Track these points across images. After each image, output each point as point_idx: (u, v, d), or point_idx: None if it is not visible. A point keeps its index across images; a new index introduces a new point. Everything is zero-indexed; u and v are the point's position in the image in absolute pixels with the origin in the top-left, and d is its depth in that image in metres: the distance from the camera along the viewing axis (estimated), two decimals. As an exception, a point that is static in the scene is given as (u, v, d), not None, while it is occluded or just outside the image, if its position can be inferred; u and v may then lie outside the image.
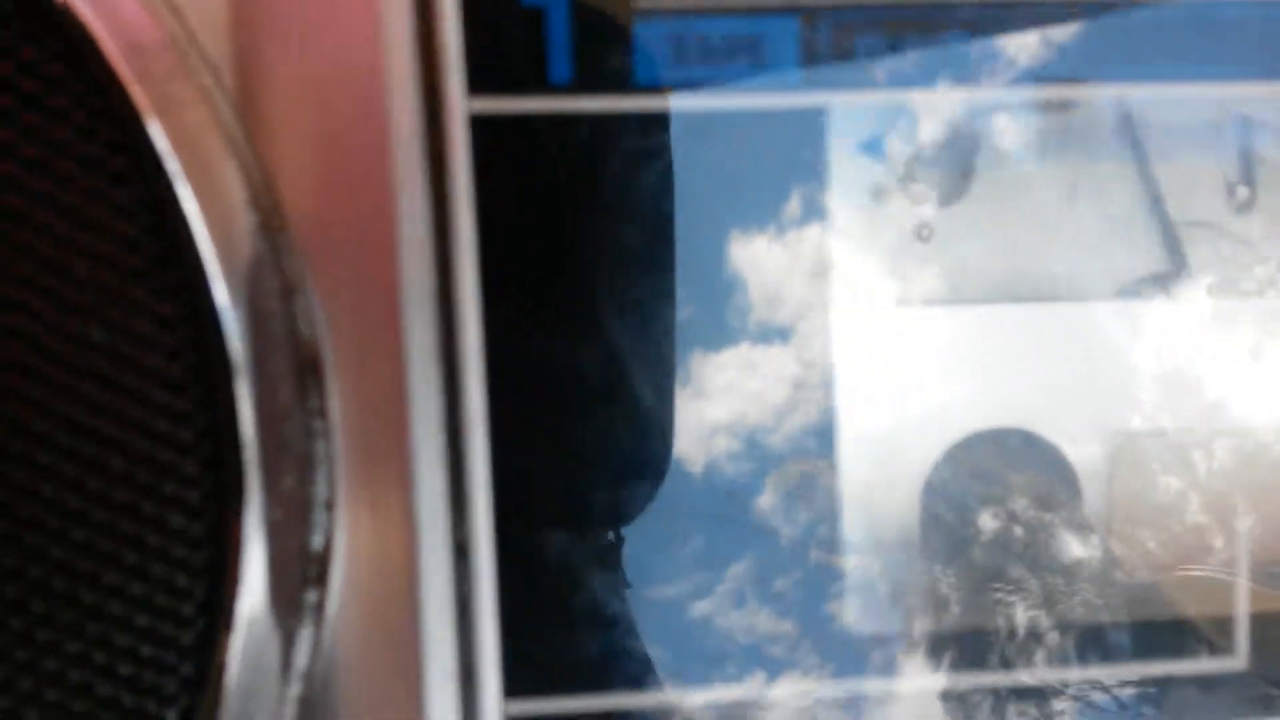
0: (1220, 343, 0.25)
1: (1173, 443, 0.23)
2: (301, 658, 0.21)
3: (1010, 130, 0.22)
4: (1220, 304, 0.25)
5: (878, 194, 0.23)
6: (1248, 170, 0.25)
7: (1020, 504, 0.24)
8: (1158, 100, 0.23)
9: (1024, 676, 0.21)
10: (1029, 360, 0.24)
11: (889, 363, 0.23)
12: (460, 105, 0.18)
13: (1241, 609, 0.21)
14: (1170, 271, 0.25)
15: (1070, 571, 0.22)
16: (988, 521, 0.23)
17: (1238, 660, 0.21)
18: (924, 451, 0.24)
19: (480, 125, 0.18)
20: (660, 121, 0.19)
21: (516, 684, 0.19)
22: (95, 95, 0.20)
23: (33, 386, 0.19)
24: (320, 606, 0.21)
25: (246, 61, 0.20)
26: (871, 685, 0.20)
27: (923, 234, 0.23)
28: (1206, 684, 0.20)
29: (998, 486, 0.24)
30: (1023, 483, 0.24)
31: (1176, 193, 0.25)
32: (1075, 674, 0.21)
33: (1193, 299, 0.25)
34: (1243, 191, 0.25)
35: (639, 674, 0.19)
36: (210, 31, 0.20)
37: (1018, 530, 0.23)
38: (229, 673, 0.20)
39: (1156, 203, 0.25)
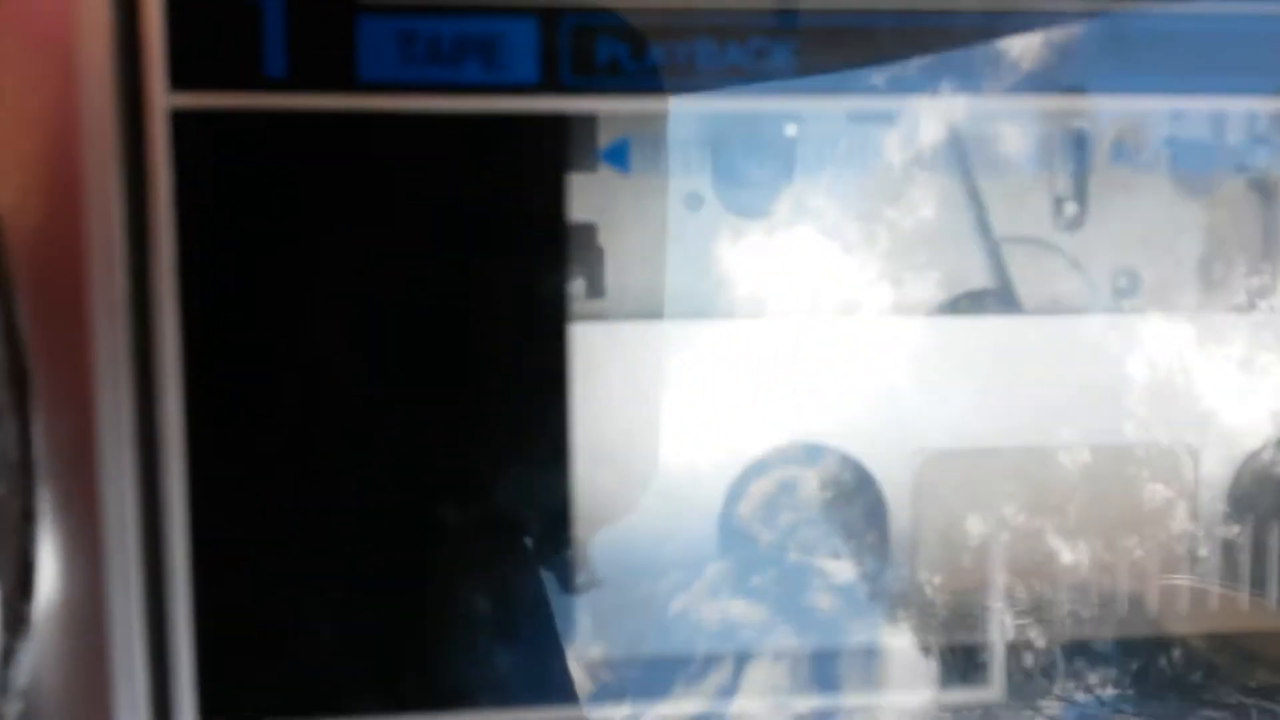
0: (1039, 359, 0.24)
1: (972, 459, 0.23)
2: (20, 677, 0.20)
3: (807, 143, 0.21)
4: (1044, 320, 0.24)
5: (694, 205, 0.22)
6: (1078, 186, 0.24)
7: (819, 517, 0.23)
8: (984, 115, 0.22)
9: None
10: (839, 376, 0.23)
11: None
12: (162, 100, 0.17)
13: (996, 639, 0.20)
14: (994, 287, 0.25)
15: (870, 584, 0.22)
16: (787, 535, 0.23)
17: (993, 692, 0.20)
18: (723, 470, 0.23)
19: (183, 121, 0.17)
20: (384, 122, 0.17)
21: (212, 706, 0.18)
22: None
23: None
24: (9, 653, 0.20)
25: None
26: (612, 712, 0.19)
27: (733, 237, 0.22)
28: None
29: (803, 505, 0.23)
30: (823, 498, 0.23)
31: (1004, 209, 0.24)
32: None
33: (1015, 314, 0.24)
34: (1071, 208, 0.24)
35: (336, 697, 0.18)
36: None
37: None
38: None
39: (982, 218, 0.24)
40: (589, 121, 0.18)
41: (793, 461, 0.23)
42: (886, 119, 0.21)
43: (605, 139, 0.19)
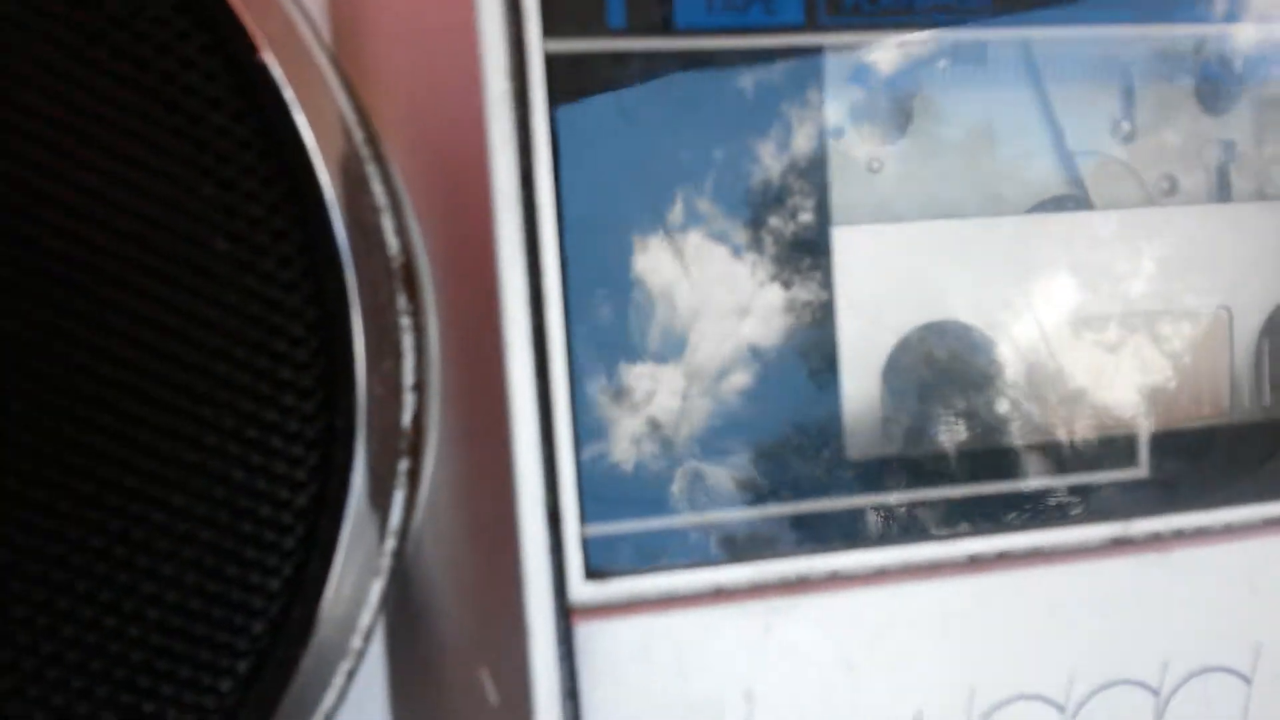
0: (1114, 247, 0.30)
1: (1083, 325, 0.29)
2: (396, 517, 0.25)
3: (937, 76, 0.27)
4: (1110, 216, 0.30)
5: (837, 133, 0.28)
6: (1129, 107, 0.31)
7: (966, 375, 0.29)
8: (1056, 46, 0.29)
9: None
10: (961, 268, 0.29)
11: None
12: (538, 46, 0.22)
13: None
14: (1071, 192, 0.31)
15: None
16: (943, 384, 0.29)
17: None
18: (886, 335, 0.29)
19: (553, 62, 0.22)
20: (695, 57, 0.23)
21: (592, 512, 0.23)
22: (209, 33, 0.23)
23: (168, 288, 0.23)
24: (413, 473, 0.25)
25: (341, 7, 0.23)
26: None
27: (873, 166, 0.28)
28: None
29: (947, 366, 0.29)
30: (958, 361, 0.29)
31: (1072, 127, 0.31)
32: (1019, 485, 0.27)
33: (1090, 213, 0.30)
34: (1125, 125, 0.31)
35: (698, 499, 0.24)
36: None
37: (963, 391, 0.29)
38: (341, 532, 0.24)
39: (1058, 135, 0.31)
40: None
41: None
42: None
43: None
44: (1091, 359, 0.29)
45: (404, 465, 0.25)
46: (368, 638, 0.25)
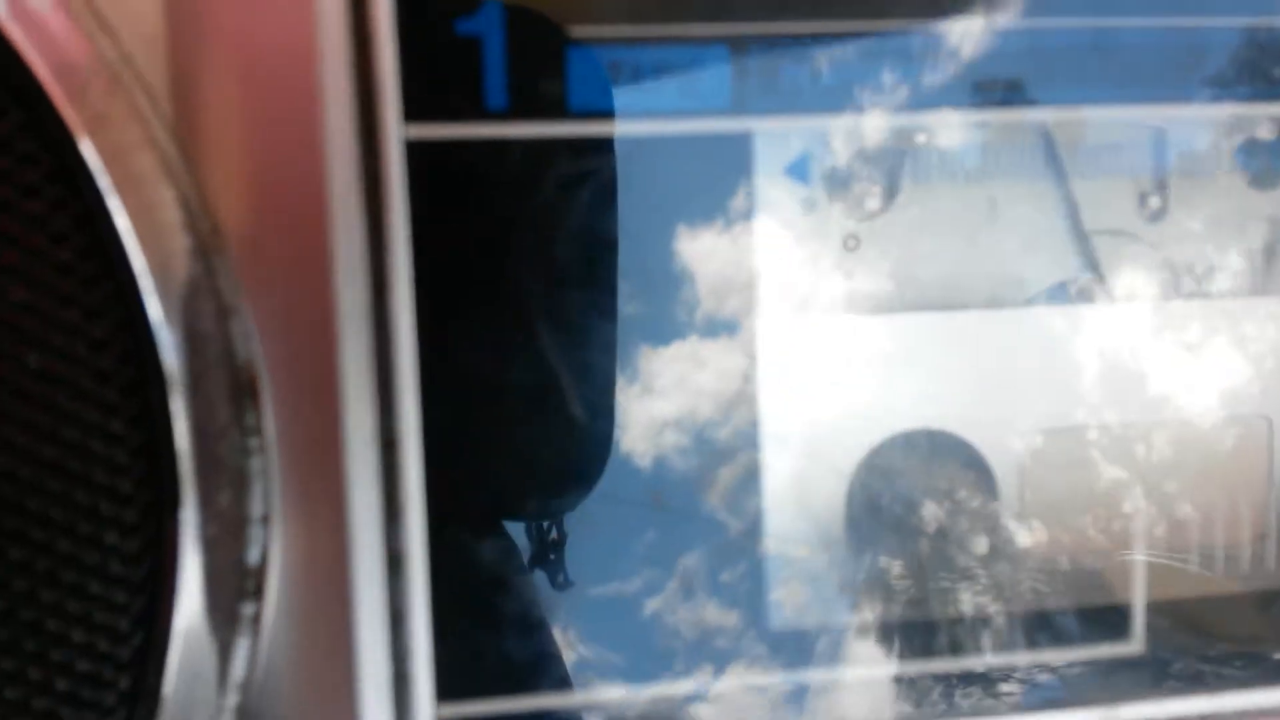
0: (1132, 342, 0.26)
1: (1087, 438, 0.25)
2: (238, 669, 0.21)
3: (933, 149, 0.23)
4: (1132, 306, 0.26)
5: (808, 207, 0.24)
6: (1160, 182, 0.27)
7: (941, 499, 0.25)
8: (1074, 120, 0.25)
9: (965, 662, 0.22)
10: (950, 364, 0.25)
11: (816, 366, 0.24)
12: (395, 131, 0.18)
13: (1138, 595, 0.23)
14: (1085, 277, 0.27)
15: (985, 561, 0.24)
16: (910, 516, 0.24)
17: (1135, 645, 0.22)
18: (849, 451, 0.25)
19: (416, 151, 0.19)
20: (595, 146, 0.19)
21: (449, 688, 0.19)
22: (26, 115, 0.20)
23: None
24: (256, 618, 0.21)
25: (183, 84, 0.20)
26: (813, 675, 0.21)
27: (849, 244, 0.24)
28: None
29: (920, 483, 0.25)
30: (944, 480, 0.25)
31: (1091, 204, 0.26)
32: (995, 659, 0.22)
33: (1106, 302, 0.26)
34: (1155, 201, 0.27)
35: (569, 674, 0.20)
36: (146, 53, 0.20)
37: (938, 523, 0.24)
38: (166, 685, 0.21)
39: (1073, 213, 0.27)
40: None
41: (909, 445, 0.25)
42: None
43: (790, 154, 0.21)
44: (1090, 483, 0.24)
45: (249, 610, 0.21)
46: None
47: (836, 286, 0.24)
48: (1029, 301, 0.26)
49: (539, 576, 0.20)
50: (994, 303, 0.26)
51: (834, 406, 0.24)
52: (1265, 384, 0.26)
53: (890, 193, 0.24)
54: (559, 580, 0.20)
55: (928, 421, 0.25)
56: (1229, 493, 0.26)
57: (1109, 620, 0.23)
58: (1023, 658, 0.22)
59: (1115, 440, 0.25)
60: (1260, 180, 0.27)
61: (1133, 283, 0.26)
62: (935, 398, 0.25)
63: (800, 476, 0.24)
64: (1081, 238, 0.27)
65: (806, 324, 0.23)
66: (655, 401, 0.22)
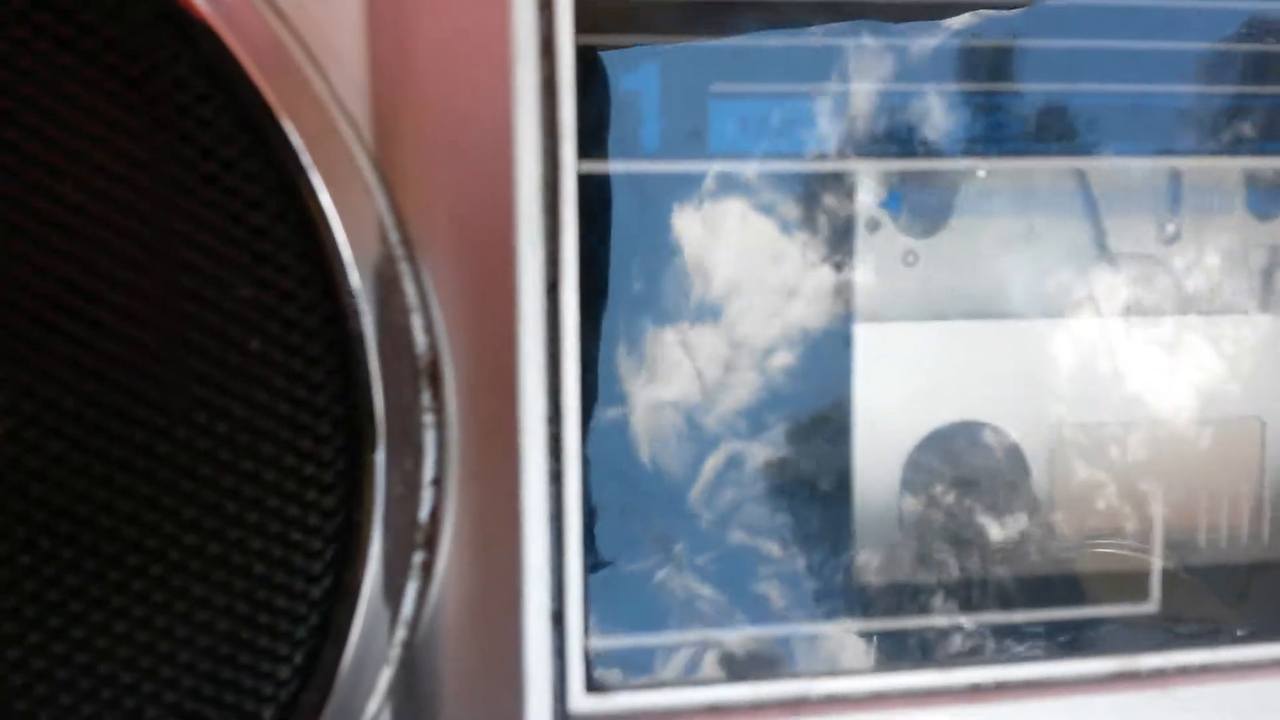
0: (1147, 351, 0.30)
1: (1103, 436, 0.29)
2: (407, 608, 0.25)
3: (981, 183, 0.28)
4: (1147, 319, 0.30)
5: (873, 228, 0.28)
6: (1176, 213, 0.31)
7: (977, 485, 0.29)
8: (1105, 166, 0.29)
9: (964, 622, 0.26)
10: (989, 366, 0.29)
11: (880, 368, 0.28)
12: (572, 166, 0.23)
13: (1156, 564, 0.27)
14: (1109, 292, 0.31)
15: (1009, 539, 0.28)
16: (952, 498, 0.29)
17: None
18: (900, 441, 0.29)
19: (586, 182, 0.23)
20: (728, 182, 0.24)
21: (597, 624, 0.23)
22: (251, 138, 0.24)
23: (199, 385, 0.23)
24: (427, 566, 0.25)
25: (383, 119, 0.24)
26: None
27: (908, 260, 0.29)
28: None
29: (960, 470, 0.29)
30: (979, 468, 0.29)
31: (1117, 231, 0.30)
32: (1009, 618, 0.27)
33: (1125, 315, 0.30)
34: (1171, 228, 0.31)
35: (707, 617, 0.24)
36: (351, 93, 0.24)
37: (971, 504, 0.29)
38: (354, 623, 0.25)
39: (1100, 238, 0.31)
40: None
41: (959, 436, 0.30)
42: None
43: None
44: (1114, 468, 0.29)
45: (419, 558, 0.25)
46: (375, 724, 0.25)
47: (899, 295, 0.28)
48: (1061, 313, 0.30)
49: (668, 528, 0.24)
50: (1029, 313, 0.30)
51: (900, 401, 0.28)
52: (1257, 390, 0.30)
53: (943, 218, 0.29)
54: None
55: (973, 415, 0.29)
56: (1225, 482, 0.30)
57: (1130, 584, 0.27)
58: (1060, 614, 0.27)
59: (1128, 435, 0.29)
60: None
61: (1149, 299, 0.30)
62: (981, 395, 0.29)
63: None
64: (1109, 258, 0.31)
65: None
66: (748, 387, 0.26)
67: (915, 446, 0.29)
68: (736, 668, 0.25)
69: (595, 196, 0.23)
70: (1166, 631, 0.27)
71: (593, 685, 0.24)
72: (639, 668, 0.24)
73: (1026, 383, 0.29)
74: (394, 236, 0.25)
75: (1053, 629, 0.26)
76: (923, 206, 0.27)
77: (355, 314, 0.24)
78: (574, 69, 0.22)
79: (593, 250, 0.23)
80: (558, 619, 0.23)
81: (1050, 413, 0.29)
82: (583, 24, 0.22)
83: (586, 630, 0.24)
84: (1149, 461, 0.29)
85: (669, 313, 0.24)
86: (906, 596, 0.26)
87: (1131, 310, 0.30)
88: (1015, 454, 0.30)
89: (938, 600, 0.26)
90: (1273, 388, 0.30)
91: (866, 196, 0.25)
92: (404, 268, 0.25)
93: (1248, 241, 0.30)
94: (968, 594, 0.27)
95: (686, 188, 0.24)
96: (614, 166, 0.23)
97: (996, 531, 0.28)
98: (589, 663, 0.24)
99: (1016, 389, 0.29)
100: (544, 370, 0.23)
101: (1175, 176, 0.30)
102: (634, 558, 0.24)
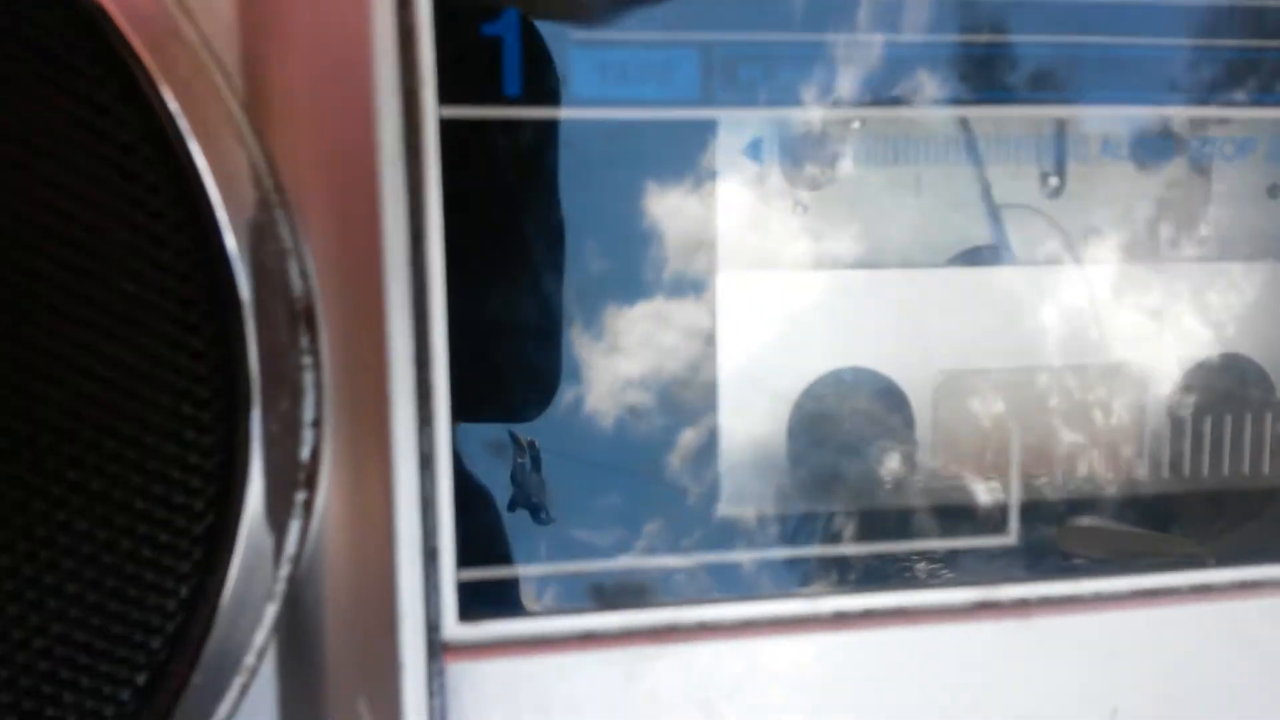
0: (1029, 301, 0.31)
1: (984, 379, 0.30)
2: (291, 545, 0.26)
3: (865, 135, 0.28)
4: (1032, 269, 0.31)
5: (762, 179, 0.29)
6: (1059, 165, 0.32)
7: (864, 422, 0.30)
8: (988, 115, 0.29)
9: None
10: (877, 314, 0.30)
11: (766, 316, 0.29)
12: (433, 111, 0.23)
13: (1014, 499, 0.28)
14: (994, 243, 0.32)
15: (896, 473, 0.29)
16: (841, 434, 0.30)
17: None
18: (792, 386, 0.30)
19: (448, 127, 0.23)
20: (590, 128, 0.24)
21: (467, 557, 0.24)
22: (122, 84, 0.24)
23: (76, 328, 0.24)
24: (308, 504, 0.26)
25: (253, 67, 0.24)
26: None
27: (798, 209, 0.29)
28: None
29: (842, 412, 0.30)
30: (867, 409, 0.30)
31: (1001, 183, 0.31)
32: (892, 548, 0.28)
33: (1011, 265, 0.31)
34: (1054, 181, 0.32)
35: (571, 548, 0.25)
36: (222, 39, 0.24)
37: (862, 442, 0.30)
38: (234, 557, 0.26)
39: (985, 190, 0.32)
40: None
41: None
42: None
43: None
44: (989, 413, 0.30)
45: (300, 497, 0.26)
46: (261, 656, 0.26)
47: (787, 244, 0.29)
48: (947, 263, 0.31)
49: (532, 470, 0.25)
50: (914, 263, 0.31)
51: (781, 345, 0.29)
52: (1142, 337, 0.31)
53: (833, 170, 0.29)
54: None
55: (857, 361, 0.30)
56: (1107, 422, 0.31)
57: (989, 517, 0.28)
58: (925, 544, 0.28)
59: (1006, 380, 0.30)
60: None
61: (1033, 248, 0.31)
62: (865, 341, 0.30)
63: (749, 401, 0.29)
64: (992, 210, 0.31)
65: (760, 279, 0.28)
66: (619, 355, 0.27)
67: (802, 391, 0.30)
68: (606, 597, 0.26)
69: (459, 142, 0.24)
70: (1025, 564, 0.28)
71: (465, 614, 0.25)
72: (511, 598, 0.25)
73: (914, 330, 0.30)
74: (268, 182, 0.25)
75: (916, 558, 0.28)
76: (804, 156, 0.28)
77: (227, 258, 0.24)
78: (432, 16, 0.23)
79: (463, 196, 0.24)
80: (430, 554, 0.24)
81: (934, 358, 0.30)
82: (440, -26, 0.23)
83: (459, 562, 0.25)
84: (1019, 404, 0.30)
85: (552, 265, 0.25)
86: (776, 529, 0.27)
87: (1021, 260, 0.31)
88: (898, 397, 0.31)
89: (807, 533, 0.27)
90: (1154, 334, 0.31)
91: (730, 143, 0.25)
92: (278, 213, 0.25)
93: (1133, 192, 0.31)
94: (837, 527, 0.28)
95: (548, 139, 0.24)
96: (475, 112, 0.24)
97: (871, 469, 0.29)
98: (461, 593, 0.25)
99: (902, 336, 0.30)
100: (410, 317, 0.23)
101: (1060, 126, 0.31)
102: (506, 496, 0.25)
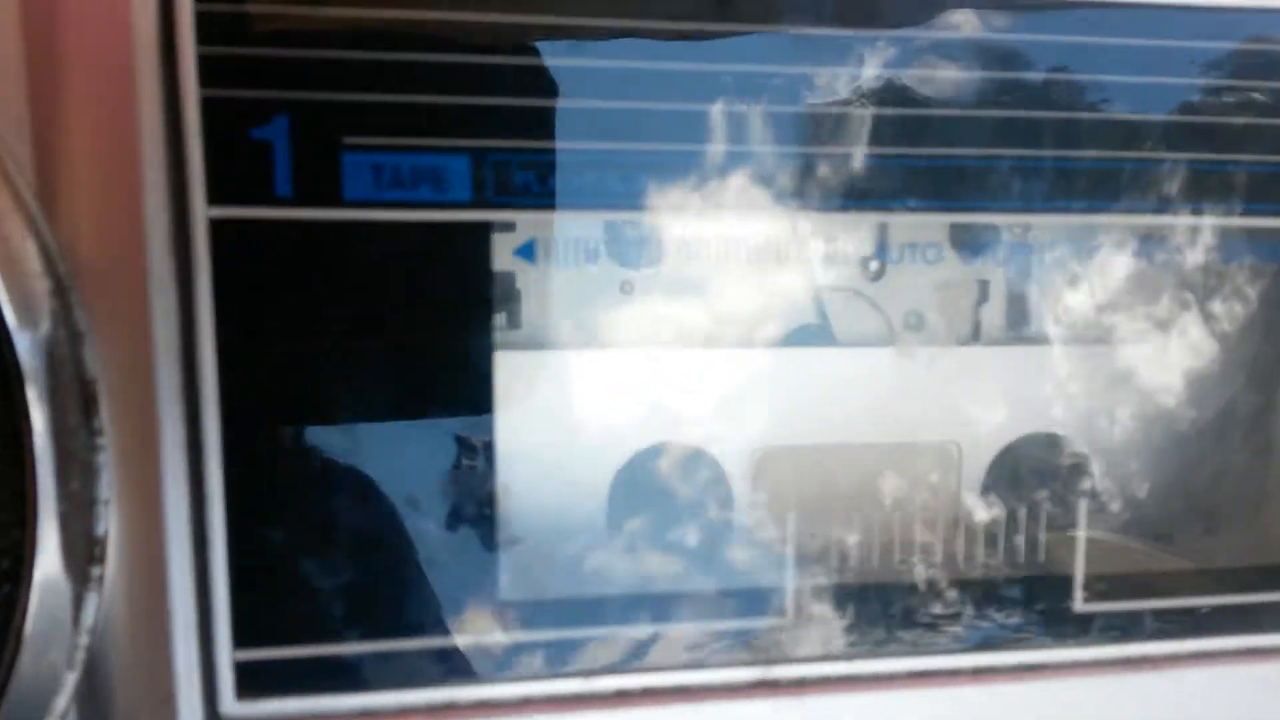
0: (851, 382, 0.32)
1: (801, 455, 0.31)
2: (89, 617, 0.27)
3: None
4: (853, 350, 0.32)
5: (592, 256, 0.29)
6: (881, 249, 0.32)
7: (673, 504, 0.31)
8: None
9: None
10: (702, 390, 0.31)
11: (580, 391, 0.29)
12: (202, 210, 0.24)
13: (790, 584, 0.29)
14: (816, 324, 0.32)
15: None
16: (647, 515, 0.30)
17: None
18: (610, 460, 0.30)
19: (218, 226, 0.24)
20: (360, 229, 0.25)
21: (243, 637, 0.25)
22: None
23: None
24: (103, 578, 0.27)
25: (44, 155, 0.25)
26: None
27: (625, 289, 0.30)
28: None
29: (662, 489, 0.31)
30: (676, 489, 0.31)
31: (825, 266, 0.32)
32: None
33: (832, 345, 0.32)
34: (874, 265, 0.32)
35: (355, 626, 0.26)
36: (14, 131, 0.25)
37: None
38: (27, 626, 0.27)
39: (809, 269, 0.32)
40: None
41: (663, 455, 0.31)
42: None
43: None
44: (804, 488, 0.30)
45: (97, 571, 0.27)
46: (63, 720, 0.27)
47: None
48: (771, 343, 0.32)
49: (303, 559, 0.26)
50: (740, 342, 0.31)
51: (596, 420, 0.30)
52: (956, 415, 0.32)
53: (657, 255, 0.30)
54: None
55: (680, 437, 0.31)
56: (926, 498, 0.32)
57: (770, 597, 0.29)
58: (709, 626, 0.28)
59: (829, 455, 0.31)
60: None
61: (855, 329, 0.32)
62: (686, 417, 0.31)
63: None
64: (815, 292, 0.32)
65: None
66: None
67: (621, 466, 0.31)
68: (384, 676, 0.26)
69: (229, 240, 0.24)
70: (802, 643, 0.29)
71: (243, 691, 0.26)
72: (291, 677, 0.26)
73: (735, 407, 0.31)
74: (60, 268, 0.26)
75: (704, 638, 0.28)
76: (628, 244, 0.29)
77: (12, 344, 0.25)
78: (199, 119, 0.24)
79: (232, 292, 0.25)
80: (204, 632, 0.25)
81: (754, 436, 0.31)
82: (208, 78, 0.24)
83: (235, 642, 0.25)
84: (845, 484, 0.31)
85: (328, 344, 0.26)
86: (563, 609, 0.28)
87: (841, 341, 0.31)
88: (717, 472, 0.31)
89: (603, 612, 0.28)
90: (969, 414, 0.32)
91: (504, 245, 0.26)
92: (72, 297, 0.26)
93: (951, 278, 0.32)
94: (627, 608, 0.28)
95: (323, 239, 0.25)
96: (246, 212, 0.24)
97: (678, 549, 0.30)
98: (238, 672, 0.26)
99: (725, 413, 0.31)
100: (181, 403, 0.24)
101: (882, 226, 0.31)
102: (284, 576, 0.26)
